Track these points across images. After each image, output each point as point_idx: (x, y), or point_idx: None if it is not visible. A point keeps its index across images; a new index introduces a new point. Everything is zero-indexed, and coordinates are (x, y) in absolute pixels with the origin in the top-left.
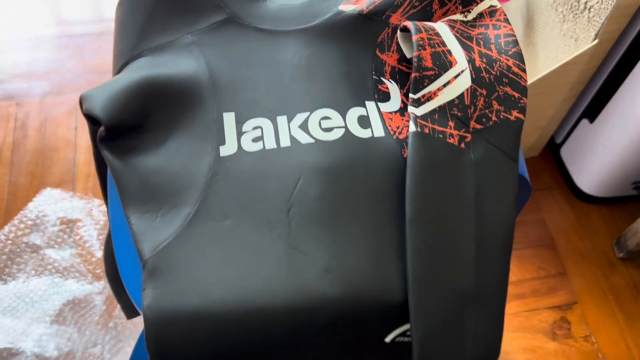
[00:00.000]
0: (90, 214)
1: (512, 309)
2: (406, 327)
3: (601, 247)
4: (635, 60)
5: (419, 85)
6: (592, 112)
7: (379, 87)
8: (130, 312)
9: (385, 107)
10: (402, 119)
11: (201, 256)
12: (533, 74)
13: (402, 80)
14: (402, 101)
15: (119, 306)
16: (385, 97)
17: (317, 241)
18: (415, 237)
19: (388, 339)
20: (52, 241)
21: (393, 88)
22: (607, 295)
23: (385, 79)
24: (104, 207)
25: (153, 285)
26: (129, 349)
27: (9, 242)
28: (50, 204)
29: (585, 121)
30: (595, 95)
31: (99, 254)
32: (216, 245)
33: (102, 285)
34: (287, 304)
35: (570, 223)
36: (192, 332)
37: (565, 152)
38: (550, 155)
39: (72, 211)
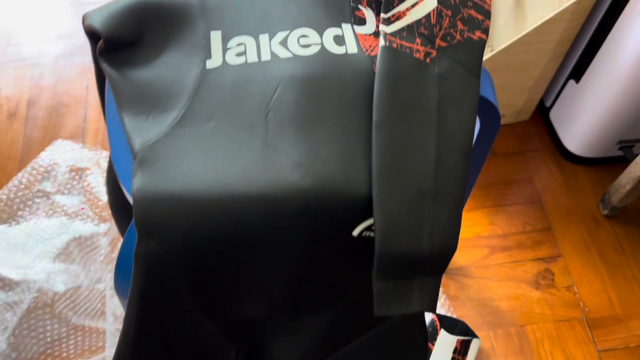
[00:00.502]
0: (98, 164)
1: (497, 260)
2: (371, 221)
3: (587, 205)
4: (615, 18)
5: (389, 5)
6: (578, 72)
7: (356, 13)
8: None
9: (360, 29)
10: (375, 40)
11: (185, 151)
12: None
13: (377, 8)
14: (377, 26)
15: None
16: (361, 21)
17: (291, 140)
18: (380, 137)
19: (355, 233)
20: (62, 187)
21: (369, 15)
22: (591, 250)
23: (362, 6)
24: None
25: (142, 172)
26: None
27: (22, 186)
28: (61, 153)
29: (572, 82)
30: (580, 55)
31: (105, 199)
32: (200, 143)
33: (108, 227)
34: (261, 192)
35: (558, 183)
36: (174, 213)
37: (554, 115)
38: (540, 119)
39: (82, 160)
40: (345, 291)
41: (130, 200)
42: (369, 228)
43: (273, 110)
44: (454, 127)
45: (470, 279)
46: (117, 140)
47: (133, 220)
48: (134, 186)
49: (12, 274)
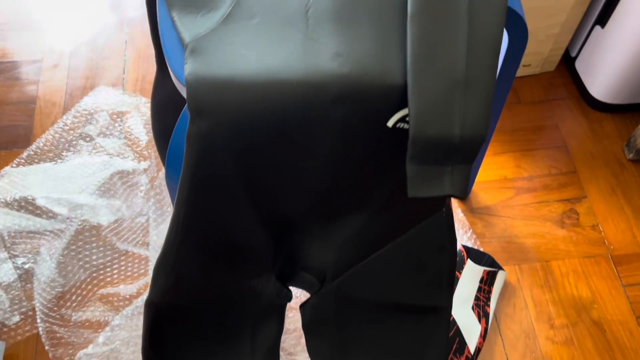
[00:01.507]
0: (138, 108)
1: (523, 200)
2: (405, 112)
3: (612, 150)
4: None
5: None
6: (604, 17)
7: None
8: None
9: None
10: None
11: (232, 43)
12: None
13: None
14: None
15: (162, 185)
16: None
17: (330, 34)
18: (415, 29)
19: (390, 123)
20: (103, 130)
21: None
22: (616, 191)
23: None
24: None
25: (193, 60)
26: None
27: (67, 128)
28: (102, 99)
29: (597, 28)
30: (606, 0)
31: (145, 140)
32: (245, 36)
33: (148, 165)
34: (301, 78)
35: (583, 129)
36: (222, 96)
37: (579, 64)
38: (566, 70)
39: (122, 105)
40: (378, 192)
41: (183, 92)
42: (403, 119)
43: (313, 7)
44: (485, 23)
45: (496, 218)
46: (169, 38)
47: (185, 107)
48: (186, 71)
49: (58, 206)
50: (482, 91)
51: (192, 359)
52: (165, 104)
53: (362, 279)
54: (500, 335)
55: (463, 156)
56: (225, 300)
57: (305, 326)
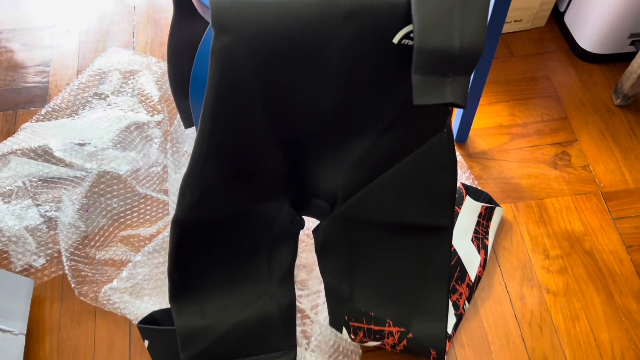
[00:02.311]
0: (149, 67)
1: (517, 145)
2: (410, 28)
3: (601, 97)
4: None
5: None
6: None
7: None
8: (188, 121)
9: None
10: None
11: None
12: None
13: None
14: None
15: (177, 136)
16: None
17: None
18: None
19: (395, 40)
20: (117, 88)
21: None
22: (605, 135)
23: None
24: (161, 63)
25: None
26: (184, 169)
27: (82, 86)
28: (114, 59)
29: None
30: None
31: (157, 96)
32: None
33: (161, 117)
34: None
35: (573, 79)
36: (244, 12)
37: (568, 18)
38: (555, 25)
39: (134, 64)
40: (385, 110)
41: (206, 16)
42: (407, 36)
43: None
44: None
45: (492, 161)
46: None
47: (209, 25)
48: None
49: (77, 156)
50: (478, 7)
51: (214, 281)
52: (182, 48)
53: (369, 200)
54: (499, 266)
55: (463, 67)
56: (244, 221)
57: (318, 248)
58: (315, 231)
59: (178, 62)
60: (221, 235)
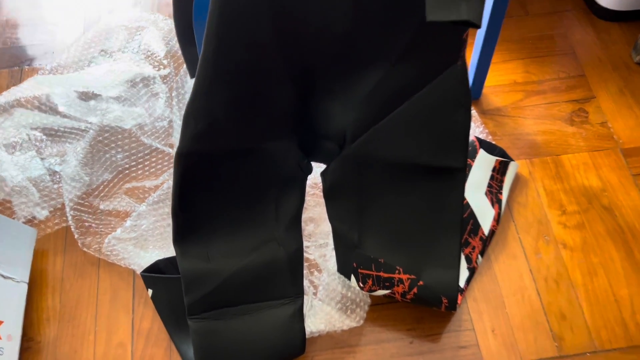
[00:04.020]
0: (155, 23)
1: (532, 102)
2: None
3: (619, 55)
4: None
5: None
6: None
7: None
8: (193, 70)
9: None
10: None
11: None
12: None
13: None
14: None
15: (183, 92)
16: None
17: None
18: None
19: None
20: (123, 44)
21: None
22: (624, 92)
23: None
24: (168, 20)
25: None
26: None
27: (88, 43)
28: (120, 16)
29: None
30: None
31: (163, 52)
32: None
33: (167, 72)
34: None
35: (591, 37)
36: None
37: None
38: None
39: (140, 21)
40: (397, 40)
41: None
42: None
43: None
44: None
45: (507, 118)
46: None
47: None
48: None
49: (82, 108)
50: None
51: (220, 223)
52: None
53: (380, 139)
54: (513, 221)
55: None
56: (250, 160)
57: (326, 192)
58: (324, 174)
59: (184, 3)
60: (227, 173)
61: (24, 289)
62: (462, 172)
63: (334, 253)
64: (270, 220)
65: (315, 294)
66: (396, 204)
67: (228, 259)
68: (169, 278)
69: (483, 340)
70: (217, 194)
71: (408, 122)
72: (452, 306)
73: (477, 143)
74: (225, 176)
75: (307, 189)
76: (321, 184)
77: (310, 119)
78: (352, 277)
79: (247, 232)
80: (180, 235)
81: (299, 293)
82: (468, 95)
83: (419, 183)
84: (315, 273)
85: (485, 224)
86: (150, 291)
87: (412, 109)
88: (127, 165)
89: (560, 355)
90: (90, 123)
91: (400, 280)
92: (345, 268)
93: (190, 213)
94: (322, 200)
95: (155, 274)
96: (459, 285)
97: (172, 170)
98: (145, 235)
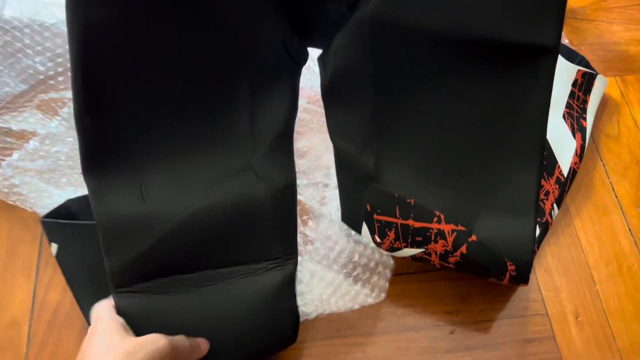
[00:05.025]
0: None
1: (620, 1)
2: None
3: None
4: None
5: None
6: None
7: None
8: None
9: None
10: None
11: None
12: None
13: None
14: None
15: None
16: None
17: None
18: None
19: None
20: None
21: None
22: None
23: None
24: None
25: None
26: None
27: None
28: None
29: None
30: None
31: None
32: None
33: None
34: None
35: None
36: None
37: None
38: None
39: None
40: None
41: None
42: None
43: None
44: None
45: (586, 22)
46: None
47: None
48: None
49: None
50: None
51: (161, 137)
52: None
53: None
54: (602, 160)
55: None
56: (205, 30)
57: (326, 89)
58: (323, 58)
59: None
60: (164, 43)
61: None
62: (552, 58)
63: (337, 192)
64: (243, 138)
65: (310, 253)
66: (437, 108)
67: (176, 198)
68: (83, 225)
69: (562, 331)
70: (150, 81)
71: None
72: (523, 276)
73: None
74: (162, 46)
75: (301, 101)
76: (320, 95)
77: None
78: (365, 228)
79: (207, 156)
80: (94, 159)
81: (290, 253)
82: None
83: (480, 73)
84: (310, 223)
85: (564, 161)
86: (54, 247)
87: None
88: (49, 74)
89: None
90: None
91: (441, 233)
92: (353, 214)
93: (108, 117)
94: (324, 120)
95: (63, 219)
96: (534, 245)
97: None
98: (58, 165)
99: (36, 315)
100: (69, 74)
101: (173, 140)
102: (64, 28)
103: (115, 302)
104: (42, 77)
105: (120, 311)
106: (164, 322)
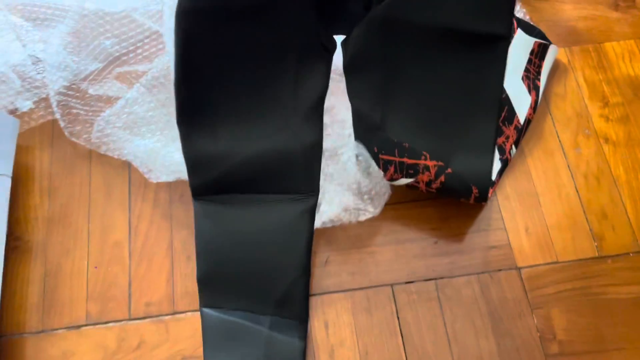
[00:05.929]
0: None
1: None
2: None
3: None
4: None
5: None
6: None
7: None
8: None
9: None
10: None
11: None
12: None
13: None
14: None
15: None
16: None
17: None
18: None
19: None
20: None
21: None
22: None
23: None
24: None
25: None
26: None
27: None
28: None
29: None
30: None
31: None
32: None
33: None
34: None
35: None
36: None
37: None
38: None
39: None
40: None
41: None
42: None
43: None
44: None
45: (543, 3)
46: None
47: None
48: None
49: None
50: None
51: (229, 103)
52: None
53: None
54: (550, 113)
55: None
56: (261, 19)
57: (346, 65)
58: (345, 43)
59: None
60: (236, 37)
61: (6, 183)
62: (505, 43)
63: (351, 139)
64: (288, 106)
65: (330, 181)
66: (426, 79)
67: (238, 144)
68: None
69: (515, 240)
70: (225, 64)
71: None
72: (483, 196)
73: (514, 22)
74: (234, 41)
75: None
76: (341, 43)
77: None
78: (373, 164)
79: (260, 117)
80: (185, 114)
81: (313, 191)
82: None
83: (455, 54)
84: (329, 163)
85: (521, 112)
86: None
87: None
88: (117, 54)
89: (600, 256)
90: (72, 6)
91: (426, 167)
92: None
93: (195, 87)
94: (343, 86)
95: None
96: (491, 174)
97: (166, 54)
98: (140, 122)
99: (133, 237)
100: (134, 51)
101: (238, 102)
102: (133, 16)
103: (193, 206)
104: (117, 54)
105: (196, 211)
106: (223, 221)
